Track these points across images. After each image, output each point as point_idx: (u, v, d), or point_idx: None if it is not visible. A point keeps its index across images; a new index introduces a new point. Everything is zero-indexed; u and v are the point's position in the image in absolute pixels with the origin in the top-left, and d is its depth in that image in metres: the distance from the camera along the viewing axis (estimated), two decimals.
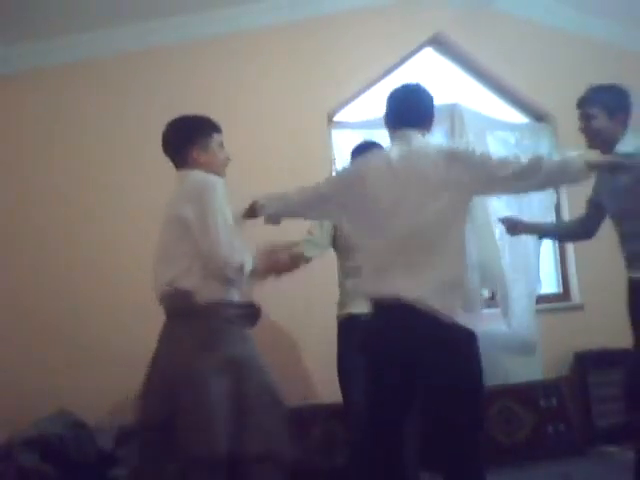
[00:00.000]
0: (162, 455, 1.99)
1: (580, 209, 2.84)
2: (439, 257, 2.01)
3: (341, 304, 2.82)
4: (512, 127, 4.23)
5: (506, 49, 4.20)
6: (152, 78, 3.64)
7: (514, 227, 2.85)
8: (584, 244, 3.72)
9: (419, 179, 2.04)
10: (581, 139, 2.56)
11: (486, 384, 2.24)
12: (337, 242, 2.84)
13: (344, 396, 2.72)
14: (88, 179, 3.51)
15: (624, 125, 2.51)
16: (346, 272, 2.80)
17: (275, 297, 3.17)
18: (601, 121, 2.47)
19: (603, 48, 4.28)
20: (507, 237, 3.32)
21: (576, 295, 4.18)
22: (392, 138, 2.22)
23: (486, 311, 3.84)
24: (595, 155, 2.14)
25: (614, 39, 4.32)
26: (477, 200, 3.49)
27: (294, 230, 2.59)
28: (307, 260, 2.76)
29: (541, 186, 2.16)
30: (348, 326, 2.73)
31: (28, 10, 3.20)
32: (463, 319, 2.00)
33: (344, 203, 2.22)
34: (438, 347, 1.96)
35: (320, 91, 3.85)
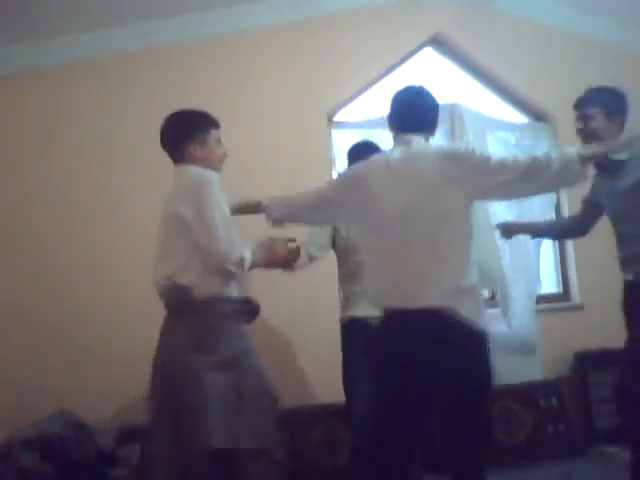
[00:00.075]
0: (163, 454, 1.99)
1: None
2: (444, 259, 2.00)
3: (343, 307, 2.82)
4: (512, 127, 4.23)
5: (506, 49, 4.20)
6: (152, 78, 3.64)
7: (508, 230, 2.86)
8: (584, 244, 3.73)
9: (418, 180, 2.04)
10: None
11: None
12: (337, 245, 2.83)
13: (347, 398, 2.71)
14: (88, 179, 3.51)
15: (621, 126, 2.52)
16: (346, 275, 2.80)
17: (275, 297, 3.19)
18: (599, 122, 2.47)
19: (603, 48, 4.28)
20: None
21: (576, 295, 4.18)
22: (395, 141, 2.22)
23: (486, 311, 3.84)
24: (589, 148, 2.12)
25: (614, 39, 4.31)
26: (477, 201, 3.49)
27: (294, 234, 2.59)
28: (311, 259, 2.76)
29: (541, 190, 2.15)
30: (351, 329, 2.74)
31: (28, 10, 3.20)
32: (477, 317, 2.00)
33: (346, 205, 2.21)
34: (448, 347, 1.95)
35: (320, 91, 3.85)
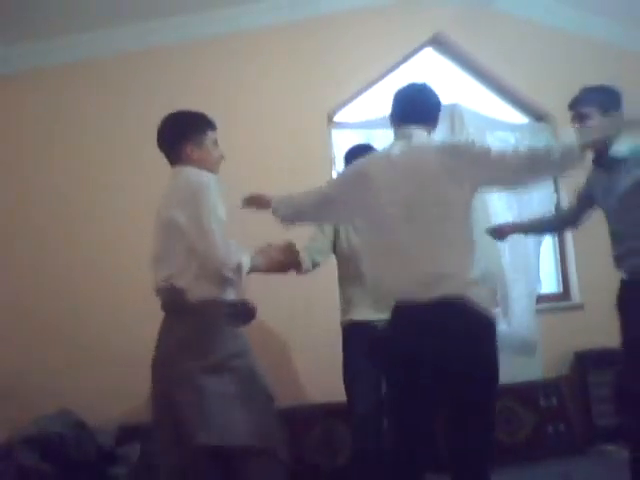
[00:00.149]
0: (164, 453, 2.00)
1: None
2: (450, 250, 1.99)
3: (343, 311, 2.83)
4: (512, 127, 4.24)
5: (506, 49, 4.20)
6: (152, 78, 3.64)
7: (501, 232, 2.86)
8: (584, 244, 3.74)
9: (419, 174, 2.03)
10: None
11: None
12: (337, 248, 2.83)
13: (348, 398, 2.72)
14: (88, 179, 3.51)
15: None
16: (346, 279, 2.80)
17: (275, 298, 3.19)
18: (595, 121, 2.47)
19: (603, 48, 4.28)
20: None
21: (576, 295, 4.19)
22: (395, 134, 2.22)
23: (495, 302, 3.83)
24: (587, 134, 2.12)
25: (614, 39, 4.32)
26: (477, 200, 3.49)
27: (294, 231, 2.59)
28: (315, 265, 2.77)
29: (542, 178, 2.15)
30: (352, 332, 2.74)
31: (28, 10, 3.20)
32: (488, 304, 2.00)
33: (349, 202, 2.21)
34: (460, 336, 1.94)
35: (320, 91, 3.85)
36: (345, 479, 3.01)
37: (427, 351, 1.96)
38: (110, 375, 3.18)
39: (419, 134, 2.13)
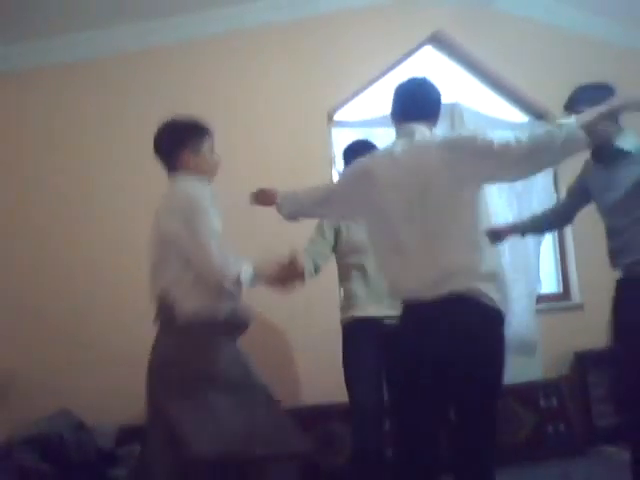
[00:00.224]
0: (160, 453, 2.00)
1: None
2: (457, 246, 1.98)
3: (344, 308, 2.82)
4: (512, 125, 4.23)
5: (506, 47, 4.20)
6: (152, 78, 3.63)
7: (497, 235, 2.86)
8: (584, 244, 3.74)
9: (423, 172, 2.02)
10: None
11: None
12: (338, 245, 2.82)
13: (349, 397, 2.72)
14: (88, 179, 3.51)
15: (616, 121, 2.51)
16: (346, 276, 2.80)
17: (275, 298, 3.17)
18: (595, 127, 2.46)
19: (603, 47, 4.28)
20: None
21: (576, 295, 4.19)
22: (397, 132, 2.21)
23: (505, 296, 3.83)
24: (587, 115, 2.11)
25: (614, 38, 4.32)
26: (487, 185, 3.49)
27: (294, 234, 2.60)
28: (317, 270, 2.77)
29: (547, 165, 2.13)
30: (353, 329, 2.73)
31: (28, 10, 3.20)
32: (497, 298, 1.99)
33: (352, 201, 2.21)
34: (471, 332, 1.94)
35: (320, 90, 3.85)
36: (345, 479, 3.01)
37: (433, 349, 1.95)
38: (110, 375, 3.18)
39: (421, 131, 2.12)
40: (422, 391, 2.00)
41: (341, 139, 3.89)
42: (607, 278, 2.64)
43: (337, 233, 2.81)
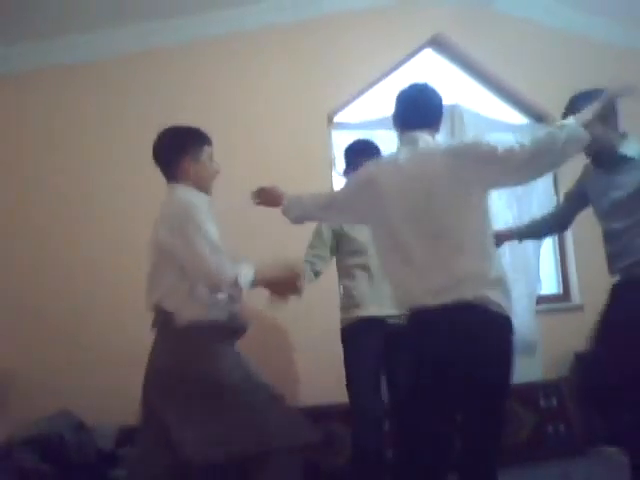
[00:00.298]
0: (161, 455, 2.00)
1: None
2: (465, 253, 1.98)
3: (345, 307, 2.81)
4: (512, 128, 4.23)
5: (506, 49, 4.20)
6: (152, 79, 3.64)
7: (496, 239, 2.85)
8: (584, 244, 3.73)
9: (428, 181, 2.02)
10: None
11: None
12: (340, 246, 2.82)
13: (350, 397, 2.72)
14: (88, 179, 3.51)
15: (616, 127, 2.52)
16: (348, 276, 2.79)
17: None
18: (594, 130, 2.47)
19: (603, 48, 4.28)
20: None
21: (576, 295, 4.19)
22: (400, 140, 2.21)
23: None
24: (586, 112, 2.12)
25: (614, 39, 4.32)
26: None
27: (293, 235, 2.60)
28: (317, 275, 2.77)
29: (551, 167, 2.14)
30: (355, 330, 2.72)
31: (28, 10, 3.20)
32: (505, 305, 2.00)
33: (357, 209, 2.20)
34: (481, 339, 1.94)
35: (320, 91, 3.85)
36: (345, 479, 3.01)
37: (440, 351, 1.95)
38: (110, 375, 3.18)
39: (424, 139, 2.13)
40: (430, 394, 2.00)
41: (341, 141, 3.89)
42: (607, 279, 2.64)
43: (337, 235, 2.81)
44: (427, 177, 2.03)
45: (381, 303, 2.68)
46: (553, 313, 4.07)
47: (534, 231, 2.99)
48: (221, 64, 3.75)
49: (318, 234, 2.82)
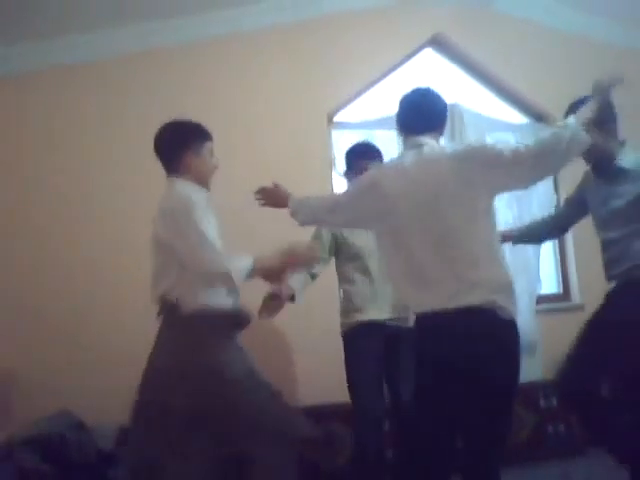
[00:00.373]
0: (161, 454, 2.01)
1: None
2: (467, 265, 1.98)
3: (345, 312, 2.82)
4: (512, 127, 4.24)
5: (506, 49, 4.20)
6: (152, 79, 3.64)
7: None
8: (584, 244, 3.73)
9: (434, 186, 2.02)
10: None
11: None
12: (339, 251, 2.83)
13: (352, 398, 2.72)
14: (88, 179, 3.51)
15: (615, 135, 2.53)
16: (348, 280, 2.80)
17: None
18: (593, 136, 2.47)
19: (603, 48, 4.28)
20: None
21: (576, 295, 4.19)
22: (404, 144, 2.21)
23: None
24: (582, 113, 2.11)
25: (614, 39, 4.32)
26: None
27: (292, 234, 2.59)
28: (314, 277, 2.78)
29: (554, 170, 2.16)
30: (355, 334, 2.73)
31: (28, 10, 3.20)
32: (513, 310, 2.01)
33: (364, 216, 2.19)
34: (492, 344, 1.94)
35: (320, 91, 3.85)
36: (345, 479, 3.02)
37: (449, 357, 1.95)
38: (110, 375, 3.18)
39: (429, 143, 2.12)
40: (437, 396, 2.00)
41: (341, 141, 3.89)
42: None
43: (336, 239, 2.82)
44: (433, 182, 2.02)
45: (381, 307, 2.70)
46: (553, 313, 4.07)
47: (533, 234, 3.00)
48: (221, 64, 3.75)
49: (317, 236, 2.82)
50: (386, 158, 2.80)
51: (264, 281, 2.19)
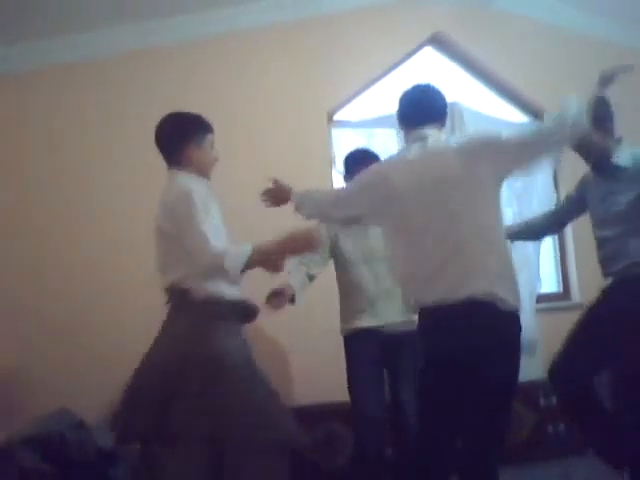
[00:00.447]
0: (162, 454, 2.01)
1: None
2: (486, 251, 2.00)
3: (343, 318, 2.83)
4: (512, 126, 4.23)
5: (506, 48, 4.20)
6: (152, 77, 3.64)
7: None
8: (584, 244, 3.71)
9: (440, 175, 2.03)
10: None
11: None
12: (337, 257, 2.84)
13: (352, 399, 2.73)
14: (88, 179, 3.51)
15: (612, 134, 2.54)
16: (346, 287, 2.81)
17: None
18: (592, 136, 2.48)
19: (603, 46, 4.27)
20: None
21: (576, 295, 4.18)
22: (407, 138, 2.21)
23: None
24: (584, 99, 2.14)
25: (614, 37, 4.32)
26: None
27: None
28: (311, 279, 2.78)
29: (556, 154, 2.18)
30: (355, 340, 2.75)
31: (28, 10, 3.20)
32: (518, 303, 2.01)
33: (369, 205, 2.19)
34: (498, 337, 1.96)
35: (320, 89, 3.85)
36: (345, 479, 3.02)
37: (449, 349, 1.97)
38: (111, 374, 3.17)
39: (434, 135, 2.13)
40: (441, 394, 2.00)
41: (341, 139, 3.89)
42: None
43: (332, 242, 2.82)
44: (440, 172, 2.03)
45: (375, 315, 2.71)
46: (553, 312, 4.06)
47: (532, 230, 3.00)
48: (221, 62, 3.75)
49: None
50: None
51: (263, 270, 2.17)
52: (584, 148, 2.52)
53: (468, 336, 1.94)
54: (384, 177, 2.12)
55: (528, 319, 3.87)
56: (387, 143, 3.95)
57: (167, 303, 2.13)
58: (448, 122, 3.88)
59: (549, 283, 4.28)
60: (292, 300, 2.65)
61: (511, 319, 2.00)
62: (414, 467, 2.12)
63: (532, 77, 4.19)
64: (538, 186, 4.17)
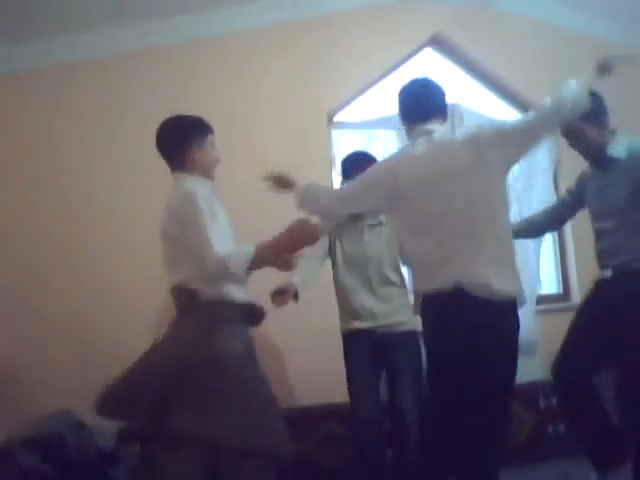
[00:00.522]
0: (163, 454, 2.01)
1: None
2: (493, 241, 2.02)
3: (341, 319, 2.85)
4: None
5: (506, 48, 4.20)
6: (152, 78, 3.64)
7: None
8: (584, 244, 3.71)
9: (447, 168, 2.05)
10: None
11: None
12: (334, 258, 2.85)
13: (351, 400, 2.74)
14: (88, 179, 3.51)
15: (607, 127, 2.56)
16: (343, 288, 2.81)
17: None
18: (588, 132, 2.51)
19: (602, 47, 4.25)
20: None
21: (576, 295, 4.18)
22: (410, 134, 2.22)
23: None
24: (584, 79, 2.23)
25: (613, 37, 4.31)
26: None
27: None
28: (314, 276, 2.79)
29: (561, 123, 2.24)
30: (352, 341, 2.77)
31: (28, 10, 3.20)
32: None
33: (374, 199, 2.22)
34: (497, 339, 1.98)
35: (320, 90, 3.85)
36: (345, 479, 3.02)
37: (447, 342, 1.99)
38: (111, 374, 3.15)
39: (438, 129, 2.15)
40: (443, 393, 2.01)
41: (341, 140, 3.89)
42: None
43: (332, 242, 2.83)
44: (449, 167, 2.05)
45: (369, 317, 2.73)
46: (553, 313, 4.06)
47: (532, 228, 3.01)
48: (221, 63, 3.75)
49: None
50: None
51: (277, 270, 2.15)
52: (572, 134, 2.54)
53: (468, 336, 1.94)
54: (392, 173, 2.13)
55: (528, 320, 3.88)
56: (387, 144, 3.96)
57: (174, 304, 2.13)
58: (448, 123, 3.92)
59: (549, 284, 4.28)
60: (296, 297, 2.65)
61: (504, 310, 2.01)
62: (413, 468, 2.12)
63: (532, 77, 4.19)
64: (538, 186, 4.17)
